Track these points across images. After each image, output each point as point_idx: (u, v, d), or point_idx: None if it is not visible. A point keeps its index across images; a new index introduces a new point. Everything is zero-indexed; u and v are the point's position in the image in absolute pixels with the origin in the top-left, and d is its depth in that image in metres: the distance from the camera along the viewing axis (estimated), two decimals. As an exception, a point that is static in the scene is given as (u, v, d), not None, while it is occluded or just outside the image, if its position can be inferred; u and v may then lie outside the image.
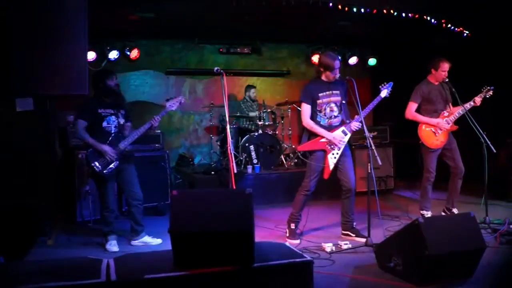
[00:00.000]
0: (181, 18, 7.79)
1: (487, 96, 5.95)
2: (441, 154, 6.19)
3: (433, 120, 6.04)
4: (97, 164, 5.10)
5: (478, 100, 5.92)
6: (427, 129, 6.07)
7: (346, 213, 5.51)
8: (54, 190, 6.21)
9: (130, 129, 5.49)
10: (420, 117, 6.10)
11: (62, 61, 3.95)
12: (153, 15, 7.29)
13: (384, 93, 5.47)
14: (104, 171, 5.12)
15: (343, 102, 5.43)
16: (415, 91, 6.18)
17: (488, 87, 5.93)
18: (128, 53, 8.75)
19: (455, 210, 6.24)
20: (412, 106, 6.12)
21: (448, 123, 6.04)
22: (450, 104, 6.21)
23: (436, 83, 6.17)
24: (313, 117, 5.38)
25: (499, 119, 7.31)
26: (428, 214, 6.16)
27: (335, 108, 5.39)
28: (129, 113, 5.56)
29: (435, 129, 6.03)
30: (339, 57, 5.42)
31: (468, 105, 5.94)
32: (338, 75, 5.27)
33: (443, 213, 6.28)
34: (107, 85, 5.25)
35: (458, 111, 6.02)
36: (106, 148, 5.11)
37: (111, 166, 5.15)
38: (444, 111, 6.11)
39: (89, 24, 4.54)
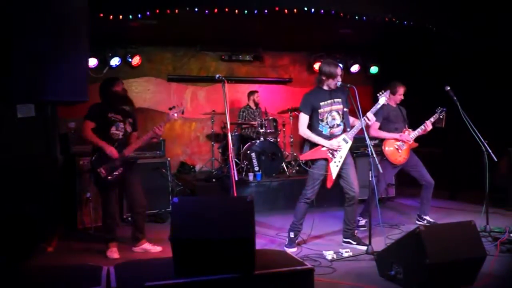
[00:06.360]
0: (183, 25, 7.81)
1: (441, 117, 6.19)
2: (406, 171, 6.45)
3: (396, 134, 6.26)
4: (102, 170, 5.10)
5: (428, 124, 6.17)
6: (390, 148, 6.23)
7: (349, 220, 5.48)
8: (55, 197, 6.20)
9: (136, 139, 5.45)
10: (384, 134, 6.29)
11: (63, 67, 3.95)
12: (155, 22, 7.31)
13: (382, 100, 5.42)
14: (109, 177, 5.12)
15: (345, 110, 5.39)
16: None
17: (441, 108, 6.17)
18: (130, 59, 8.80)
19: (428, 218, 6.43)
20: (375, 125, 6.25)
21: (409, 140, 6.23)
22: (407, 125, 6.45)
23: (394, 105, 6.42)
24: (315, 127, 5.35)
25: (500, 128, 7.30)
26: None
27: (337, 117, 5.34)
28: (135, 122, 5.54)
29: (398, 146, 6.21)
30: (341, 65, 5.39)
31: (423, 127, 6.21)
32: (340, 83, 5.25)
33: (417, 222, 6.44)
34: (115, 91, 5.26)
35: (417, 130, 6.26)
36: (115, 151, 5.10)
37: (115, 172, 5.15)
38: (405, 130, 6.32)
39: (91, 30, 4.55)
